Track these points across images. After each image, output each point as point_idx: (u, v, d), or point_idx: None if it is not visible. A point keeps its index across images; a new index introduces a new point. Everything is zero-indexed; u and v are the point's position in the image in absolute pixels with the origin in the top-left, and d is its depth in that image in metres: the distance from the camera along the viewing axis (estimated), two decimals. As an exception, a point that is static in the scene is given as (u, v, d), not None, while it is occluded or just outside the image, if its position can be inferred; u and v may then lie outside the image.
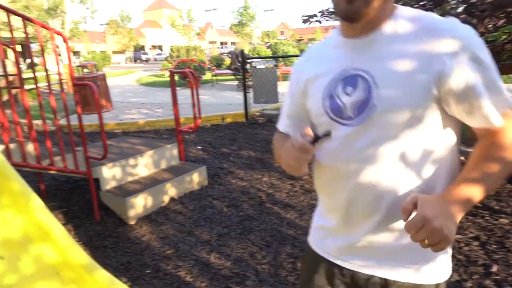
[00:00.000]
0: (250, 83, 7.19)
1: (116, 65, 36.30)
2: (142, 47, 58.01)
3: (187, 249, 2.73)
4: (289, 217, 3.15)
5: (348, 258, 0.98)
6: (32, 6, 17.80)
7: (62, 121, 6.11)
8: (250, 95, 7.08)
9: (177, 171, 3.76)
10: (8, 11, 2.66)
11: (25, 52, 19.84)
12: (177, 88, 4.12)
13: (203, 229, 3.02)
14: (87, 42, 34.35)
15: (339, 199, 0.94)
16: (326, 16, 4.09)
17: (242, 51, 7.43)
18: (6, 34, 11.82)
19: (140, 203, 3.21)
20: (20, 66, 2.90)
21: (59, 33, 3.03)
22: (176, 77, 14.99)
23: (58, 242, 1.67)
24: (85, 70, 9.30)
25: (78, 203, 3.62)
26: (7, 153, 2.78)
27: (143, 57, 47.69)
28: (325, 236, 1.04)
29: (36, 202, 1.76)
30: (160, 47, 64.57)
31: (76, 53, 44.28)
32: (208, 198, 3.62)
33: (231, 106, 8.12)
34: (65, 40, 3.02)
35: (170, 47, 22.24)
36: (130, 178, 3.52)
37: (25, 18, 2.76)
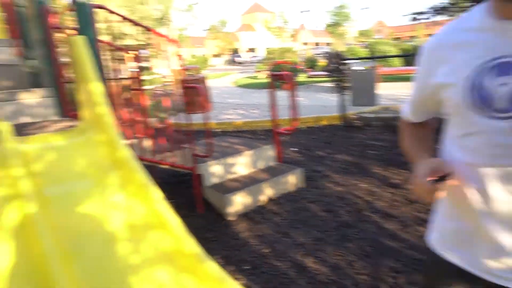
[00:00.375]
0: (347, 84, 6.97)
1: (214, 68, 38.74)
2: (238, 50, 60.87)
3: (283, 250, 2.75)
4: (391, 228, 2.95)
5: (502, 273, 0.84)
6: (146, 17, 19.98)
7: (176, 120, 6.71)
8: (347, 97, 6.87)
9: (274, 172, 3.82)
10: (136, 24, 3.02)
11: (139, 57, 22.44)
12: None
13: (299, 232, 3.01)
14: (190, 47, 37.33)
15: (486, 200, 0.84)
16: (437, 12, 3.75)
17: (338, 53, 7.25)
18: (124, 42, 13.51)
19: (239, 201, 3.34)
20: (134, 69, 3.29)
21: (173, 41, 3.32)
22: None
23: (174, 232, 1.82)
24: (189, 72, 10.12)
25: (184, 196, 3.93)
26: (129, 148, 3.16)
27: (239, 59, 49.95)
28: (464, 243, 0.91)
29: (156, 194, 1.94)
30: (253, 50, 66.88)
31: (180, 57, 48.41)
32: (304, 200, 3.60)
33: (326, 109, 7.99)
34: (178, 46, 3.30)
35: (266, 49, 22.84)
36: (230, 176, 3.70)
37: (148, 29, 3.10)
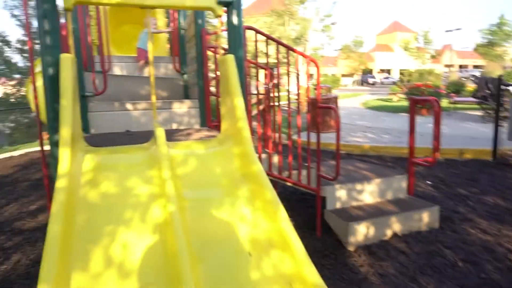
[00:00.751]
0: (504, 114, 5.93)
1: (344, 88, 38.16)
2: (370, 71, 58.74)
3: (410, 298, 2.43)
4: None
5: None
6: (283, 36, 21.03)
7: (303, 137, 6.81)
8: (503, 129, 5.83)
9: (403, 206, 3.46)
10: (280, 43, 3.16)
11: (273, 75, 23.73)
12: (406, 114, 3.82)
13: (430, 280, 2.62)
14: (322, 66, 37.77)
15: None
16: None
17: (497, 77, 6.24)
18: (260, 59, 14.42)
19: (362, 231, 3.11)
20: (269, 86, 3.42)
21: (313, 60, 3.34)
22: (405, 102, 14.23)
23: (296, 255, 1.77)
24: (321, 91, 10.17)
25: (303, 215, 3.89)
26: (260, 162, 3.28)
27: (370, 80, 48.07)
28: None
29: (283, 212, 1.93)
30: (388, 71, 63.56)
31: (310, 76, 49.39)
32: (438, 244, 3.14)
33: (474, 140, 6.94)
34: (316, 66, 3.31)
35: (400, 71, 21.45)
36: (354, 203, 3.50)
37: (289, 49, 3.19)
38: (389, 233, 3.24)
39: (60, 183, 1.80)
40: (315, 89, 10.04)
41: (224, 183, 2.24)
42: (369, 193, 3.59)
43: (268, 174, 3.31)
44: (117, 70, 4.97)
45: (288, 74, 3.69)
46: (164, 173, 1.99)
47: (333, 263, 2.92)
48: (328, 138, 7.68)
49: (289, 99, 3.40)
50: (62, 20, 3.59)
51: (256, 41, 3.26)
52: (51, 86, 2.24)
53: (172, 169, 2.21)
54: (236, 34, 2.85)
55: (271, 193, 2.00)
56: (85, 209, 1.87)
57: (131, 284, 1.60)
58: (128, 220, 1.86)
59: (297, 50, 3.22)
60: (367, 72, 54.49)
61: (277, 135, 3.77)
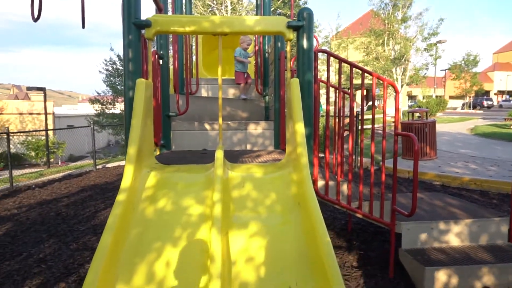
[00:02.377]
0: None
1: (451, 111, 34.59)
2: (486, 92, 52.20)
3: None
4: None
5: None
6: (381, 56, 20.12)
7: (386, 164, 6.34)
8: None
9: (501, 255, 2.90)
10: (354, 66, 3.01)
11: (369, 97, 22.74)
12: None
13: None
14: (425, 87, 34.88)
15: None
16: None
17: None
18: (357, 81, 13.94)
19: (442, 279, 2.69)
20: (357, 108, 3.24)
21: (392, 83, 3.10)
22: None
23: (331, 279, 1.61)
24: (417, 115, 9.34)
25: (376, 250, 3.55)
26: (326, 189, 3.12)
27: (485, 103, 42.71)
28: None
29: (328, 246, 1.77)
30: (509, 93, 55.70)
31: (412, 97, 46.00)
32: (545, 309, 2.54)
33: None
34: (396, 91, 3.05)
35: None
36: (436, 245, 3.06)
37: (364, 71, 3.02)
38: (478, 286, 2.74)
39: (120, 197, 1.96)
40: (410, 112, 9.23)
41: (277, 209, 2.18)
42: (457, 235, 3.10)
43: (335, 203, 3.14)
44: (203, 92, 5.32)
45: (381, 97, 3.45)
46: (215, 195, 2.02)
47: (403, 311, 2.57)
48: (421, 167, 6.99)
49: (384, 122, 3.11)
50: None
51: (328, 64, 3.16)
52: (129, 107, 2.49)
53: (227, 192, 2.24)
54: (305, 58, 2.81)
55: (320, 225, 1.86)
56: (140, 223, 2.00)
57: (167, 303, 1.64)
58: (176, 239, 1.93)
59: (374, 73, 3.01)
60: (482, 94, 48.54)
61: (356, 160, 3.54)
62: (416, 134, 7.70)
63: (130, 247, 1.85)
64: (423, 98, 31.13)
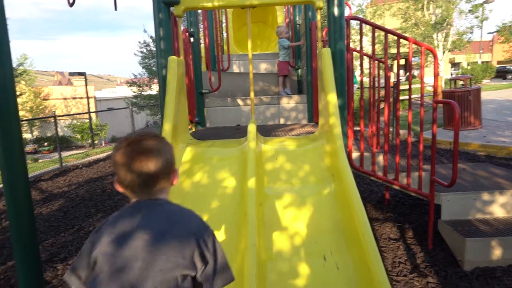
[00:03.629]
0: None
1: (500, 79, 32.26)
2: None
3: None
4: None
5: None
6: (421, 22, 18.95)
7: (426, 134, 6.12)
8: None
9: (550, 226, 2.75)
10: (389, 32, 2.87)
11: (407, 66, 21.62)
12: None
13: None
14: (470, 53, 32.63)
15: None
16: None
17: None
18: (394, 50, 13.28)
19: (484, 250, 2.61)
20: (400, 78, 3.10)
21: (430, 48, 2.93)
22: None
23: (367, 260, 1.61)
24: (460, 83, 8.79)
25: (415, 222, 3.48)
26: (361, 160, 3.07)
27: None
28: None
29: (363, 216, 1.77)
30: None
31: (455, 65, 43.26)
32: None
33: None
34: (435, 56, 2.89)
35: None
36: (479, 215, 2.95)
37: (400, 37, 2.87)
38: (523, 257, 2.63)
39: (158, 171, 2.04)
40: (452, 80, 8.74)
41: (311, 181, 2.19)
42: (500, 205, 2.97)
43: (370, 175, 3.09)
44: (235, 68, 5.32)
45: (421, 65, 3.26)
46: (249, 168, 2.06)
47: (441, 282, 2.54)
48: (464, 137, 6.66)
49: (421, 92, 2.97)
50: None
51: (361, 31, 3.03)
52: (163, 85, 2.55)
53: (261, 165, 2.27)
54: (336, 26, 2.72)
55: (354, 195, 1.86)
56: (179, 196, 2.09)
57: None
58: (212, 210, 2.00)
59: (411, 38, 2.85)
60: (535, 57, 44.65)
61: (390, 131, 3.44)
62: (459, 103, 7.30)
63: (170, 218, 1.95)
64: (468, 65, 29.18)
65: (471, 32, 19.55)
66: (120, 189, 0.98)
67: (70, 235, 3.73)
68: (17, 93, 2.53)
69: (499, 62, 41.04)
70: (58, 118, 8.61)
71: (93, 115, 16.59)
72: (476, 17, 18.84)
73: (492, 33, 33.99)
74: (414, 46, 2.92)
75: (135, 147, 0.94)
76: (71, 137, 16.00)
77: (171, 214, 0.98)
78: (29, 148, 16.45)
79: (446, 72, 29.08)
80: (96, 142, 14.10)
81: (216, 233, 1.86)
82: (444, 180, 2.92)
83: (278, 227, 1.87)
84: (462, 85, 8.40)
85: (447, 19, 18.19)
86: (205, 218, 1.94)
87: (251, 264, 1.55)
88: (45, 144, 15.46)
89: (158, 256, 0.88)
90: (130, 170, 0.93)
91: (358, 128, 5.63)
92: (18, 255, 1.81)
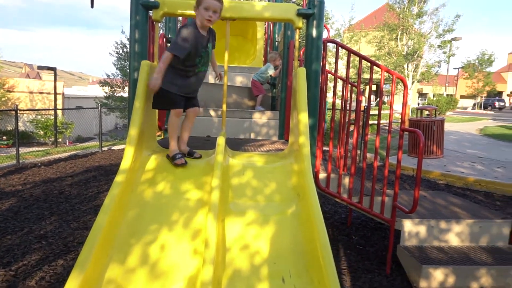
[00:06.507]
0: None
1: (461, 111, 34.09)
2: (499, 93, 51.29)
3: None
4: None
5: None
6: (394, 52, 19.81)
7: (391, 160, 6.29)
8: None
9: (501, 258, 2.87)
10: (364, 58, 2.95)
11: (378, 92, 22.45)
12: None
13: None
14: (436, 85, 34.31)
15: None
16: None
17: None
18: (367, 75, 13.73)
19: (438, 278, 2.68)
20: (371, 103, 3.17)
21: (401, 78, 3.04)
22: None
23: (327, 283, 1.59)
24: (425, 113, 9.20)
25: (375, 246, 3.54)
26: (327, 181, 3.09)
27: (497, 104, 42.01)
28: None
29: (324, 238, 1.75)
30: (522, 95, 54.65)
31: (423, 95, 45.35)
32: (542, 313, 2.51)
33: None
34: (405, 85, 2.99)
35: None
36: (435, 243, 3.04)
37: (373, 64, 2.96)
38: (474, 286, 2.72)
39: (118, 178, 1.96)
40: (419, 109, 9.10)
41: (276, 199, 2.16)
42: (456, 234, 3.07)
43: (335, 196, 3.11)
44: (211, 78, 5.28)
45: (390, 93, 3.38)
46: (214, 181, 2.01)
47: (397, 308, 2.57)
48: (427, 165, 6.92)
49: (388, 118, 3.06)
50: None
51: (337, 55, 3.10)
52: (133, 88, 2.47)
53: (227, 179, 2.22)
54: (313, 47, 2.76)
55: (318, 216, 1.84)
56: (138, 205, 2.00)
57: (159, 285, 1.64)
58: (172, 222, 1.92)
59: (383, 66, 2.95)
60: (495, 95, 47.75)
61: (357, 154, 3.50)
62: (424, 132, 7.61)
63: (126, 228, 1.86)
64: (434, 96, 30.68)
65: (439, 66, 20.66)
66: None
67: (18, 238, 3.49)
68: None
69: (461, 96, 43.47)
70: (20, 112, 8.18)
71: (59, 112, 15.92)
72: (444, 53, 19.97)
73: (457, 68, 36.07)
74: (386, 74, 3.02)
75: None
76: (33, 132, 15.23)
77: None
78: (-16, 140, 15.51)
79: (414, 101, 30.44)
80: (60, 140, 13.49)
81: (173, 245, 1.79)
82: (405, 206, 3.00)
83: (238, 245, 1.83)
84: (428, 115, 8.78)
85: (418, 51, 19.16)
86: (165, 230, 1.87)
87: (207, 280, 1.49)
88: (4, 138, 14.63)
89: None
90: None
91: (326, 148, 5.71)
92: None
